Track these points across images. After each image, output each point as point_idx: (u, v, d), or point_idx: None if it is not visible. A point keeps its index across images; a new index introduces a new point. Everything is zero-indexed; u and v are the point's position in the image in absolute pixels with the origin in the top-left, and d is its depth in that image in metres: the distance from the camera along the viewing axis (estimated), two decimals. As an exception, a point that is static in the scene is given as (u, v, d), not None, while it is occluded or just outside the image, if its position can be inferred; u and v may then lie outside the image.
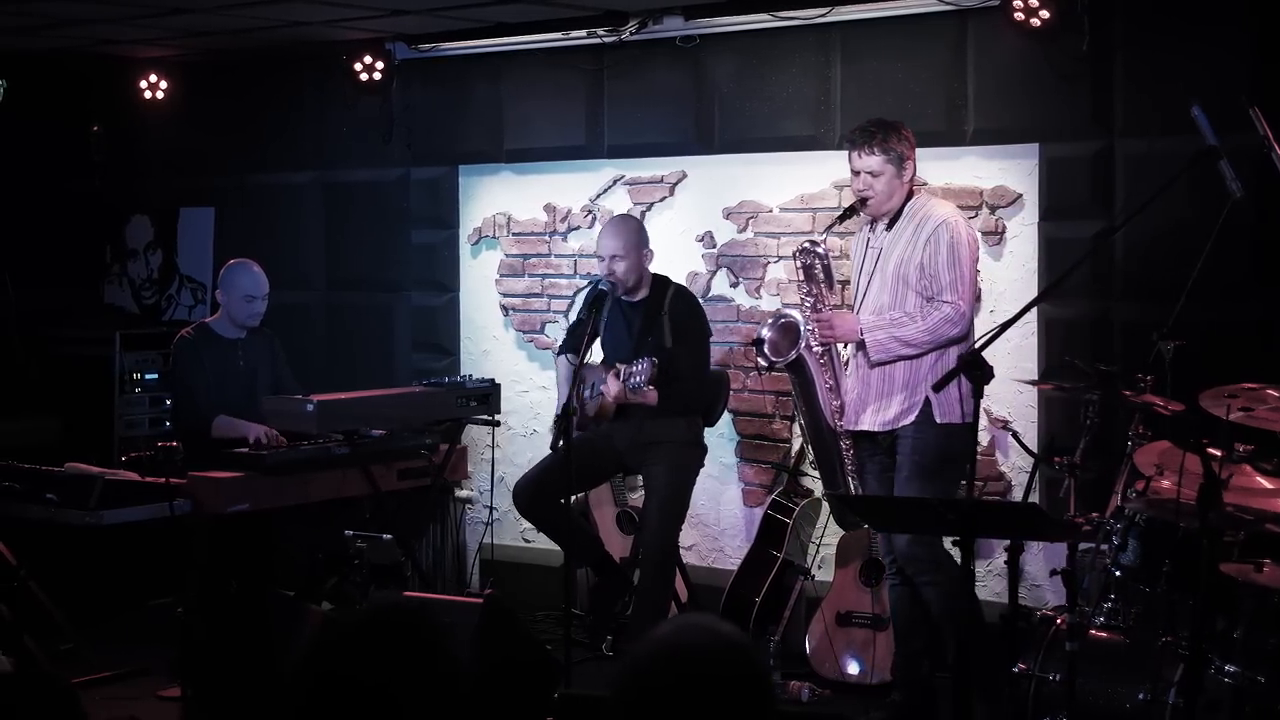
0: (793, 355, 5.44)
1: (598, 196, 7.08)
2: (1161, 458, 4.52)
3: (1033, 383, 4.91)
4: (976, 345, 4.41)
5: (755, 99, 6.57)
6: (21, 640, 5.48)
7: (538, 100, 7.19)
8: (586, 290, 6.35)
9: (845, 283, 5.54)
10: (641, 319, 5.93)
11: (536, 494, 5.89)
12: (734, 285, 6.71)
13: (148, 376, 8.01)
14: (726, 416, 6.49)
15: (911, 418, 5.02)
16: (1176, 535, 4.20)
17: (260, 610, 5.70)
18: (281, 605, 5.61)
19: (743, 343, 6.66)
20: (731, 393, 6.44)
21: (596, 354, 6.13)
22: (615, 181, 7.03)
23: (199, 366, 6.31)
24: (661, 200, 6.89)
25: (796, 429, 6.48)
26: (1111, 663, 4.41)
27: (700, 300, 6.29)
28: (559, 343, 6.52)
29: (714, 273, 6.76)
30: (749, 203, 6.67)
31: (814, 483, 6.32)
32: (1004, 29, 5.85)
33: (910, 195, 5.19)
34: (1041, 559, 5.88)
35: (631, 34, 6.70)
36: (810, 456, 5.78)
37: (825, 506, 6.25)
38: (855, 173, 5.17)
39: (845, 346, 5.42)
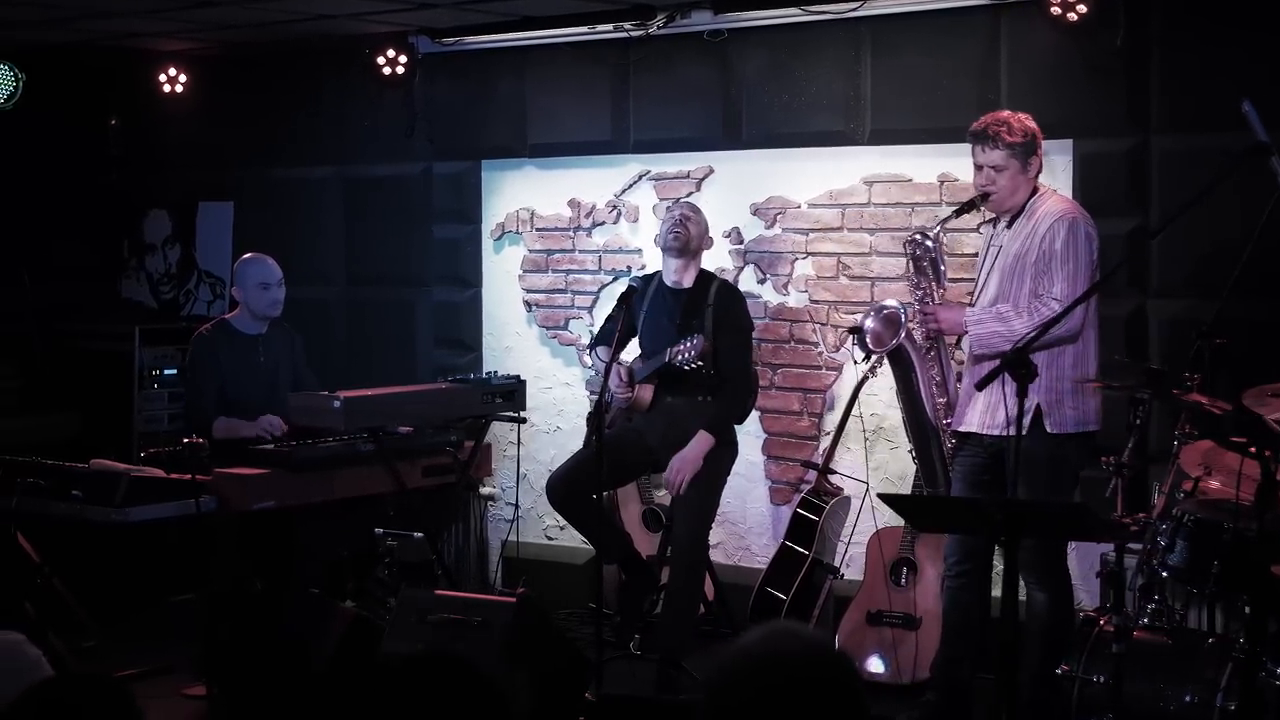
0: (893, 344, 5.36)
1: (623, 192, 7.03)
2: (1205, 457, 4.48)
3: (1084, 381, 4.83)
4: (1020, 344, 4.36)
5: (784, 94, 6.51)
6: (46, 638, 5.44)
7: (562, 95, 7.13)
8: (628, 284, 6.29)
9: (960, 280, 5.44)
10: (684, 309, 5.90)
11: (570, 489, 5.85)
12: (761, 281, 6.66)
13: (167, 372, 7.97)
14: (754, 414, 6.44)
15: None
16: (1225, 536, 4.15)
17: (286, 608, 5.67)
18: (309, 603, 5.57)
19: (771, 339, 6.61)
20: (759, 390, 6.39)
21: (632, 350, 6.10)
22: (641, 177, 6.98)
23: (212, 367, 6.27)
24: (688, 195, 6.82)
25: (828, 426, 6.44)
26: (1156, 664, 4.35)
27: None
28: (589, 340, 6.44)
29: (741, 269, 6.71)
30: (777, 199, 6.62)
31: (843, 480, 6.28)
32: (1038, 23, 5.80)
33: (1035, 191, 5.03)
34: (1075, 558, 5.81)
35: (659, 28, 6.65)
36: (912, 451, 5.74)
37: (854, 505, 6.21)
38: (978, 167, 5.02)
39: (957, 343, 5.31)
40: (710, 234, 6.08)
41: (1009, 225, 5.04)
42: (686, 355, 5.61)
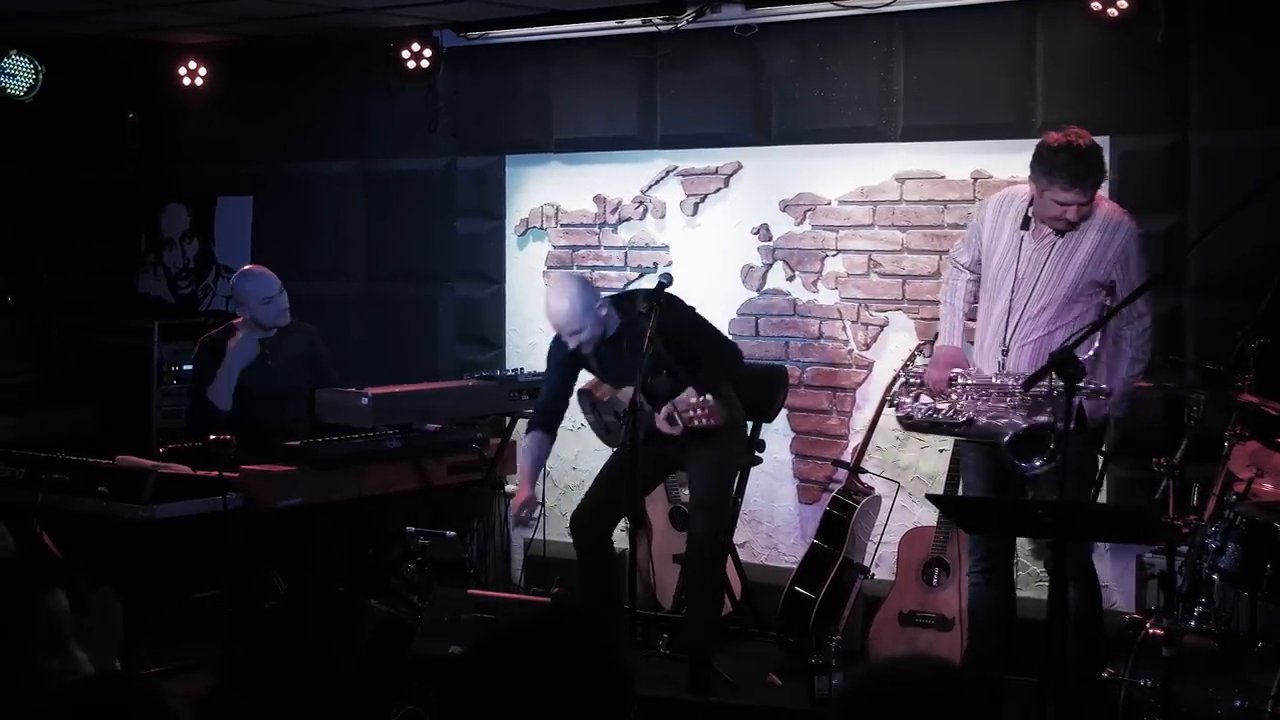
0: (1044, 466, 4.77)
1: (650, 188, 6.97)
2: (1254, 458, 4.43)
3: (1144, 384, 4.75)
4: (1068, 343, 4.30)
5: (815, 89, 6.45)
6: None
7: (588, 89, 7.07)
8: (551, 346, 5.83)
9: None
10: (628, 342, 5.58)
11: (593, 522, 5.79)
12: (790, 279, 6.60)
13: (185, 367, 7.87)
14: (782, 411, 6.38)
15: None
16: (1279, 539, 4.09)
17: (315, 607, 5.61)
18: (338, 602, 5.52)
19: (800, 336, 6.55)
20: (788, 387, 6.33)
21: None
22: (668, 173, 6.91)
23: (214, 373, 6.22)
24: (716, 191, 6.77)
25: (857, 425, 6.38)
26: (1205, 669, 4.29)
27: (680, 296, 5.66)
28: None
29: (770, 265, 6.65)
30: (807, 195, 6.55)
31: (874, 480, 6.22)
32: (1075, 19, 5.74)
33: None
34: (1108, 559, 5.76)
35: (688, 23, 6.58)
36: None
37: (885, 504, 6.15)
38: (1064, 203, 4.75)
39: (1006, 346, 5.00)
40: (592, 296, 5.54)
41: (1058, 232, 4.90)
42: (699, 417, 5.36)
